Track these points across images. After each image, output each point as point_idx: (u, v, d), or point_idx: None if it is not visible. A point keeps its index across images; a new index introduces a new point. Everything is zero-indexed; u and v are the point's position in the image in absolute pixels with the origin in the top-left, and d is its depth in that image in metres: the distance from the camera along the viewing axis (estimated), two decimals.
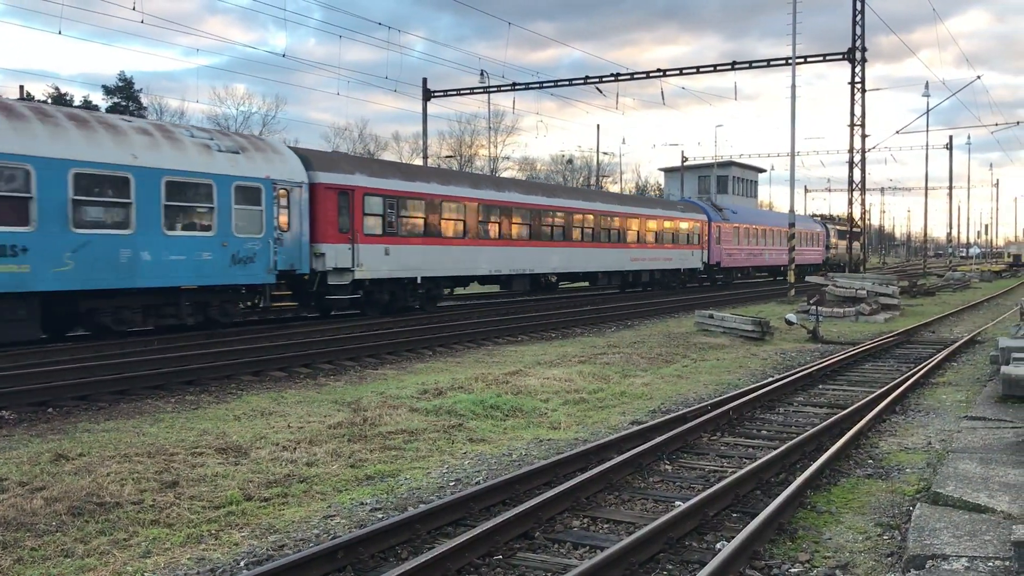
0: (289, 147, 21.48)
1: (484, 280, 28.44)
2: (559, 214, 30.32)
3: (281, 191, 18.97)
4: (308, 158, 20.68)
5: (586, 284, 36.18)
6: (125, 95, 57.49)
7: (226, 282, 17.83)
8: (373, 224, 21.68)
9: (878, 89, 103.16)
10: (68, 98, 53.74)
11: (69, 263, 14.76)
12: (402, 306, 23.14)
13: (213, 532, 6.21)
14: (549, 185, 41.20)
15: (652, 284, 38.15)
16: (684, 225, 39.42)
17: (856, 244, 42.23)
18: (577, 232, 31.21)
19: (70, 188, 14.87)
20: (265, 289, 19.02)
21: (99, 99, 56.68)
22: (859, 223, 43.57)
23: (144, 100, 59.96)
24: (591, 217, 32.20)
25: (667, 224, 38.22)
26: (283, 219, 19.08)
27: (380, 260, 21.79)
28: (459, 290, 28.97)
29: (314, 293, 20.45)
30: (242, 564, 5.62)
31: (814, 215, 69.47)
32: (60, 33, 33.65)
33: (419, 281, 23.36)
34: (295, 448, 8.57)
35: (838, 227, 62.87)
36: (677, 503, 6.84)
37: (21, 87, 46.46)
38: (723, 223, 43.37)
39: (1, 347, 14.19)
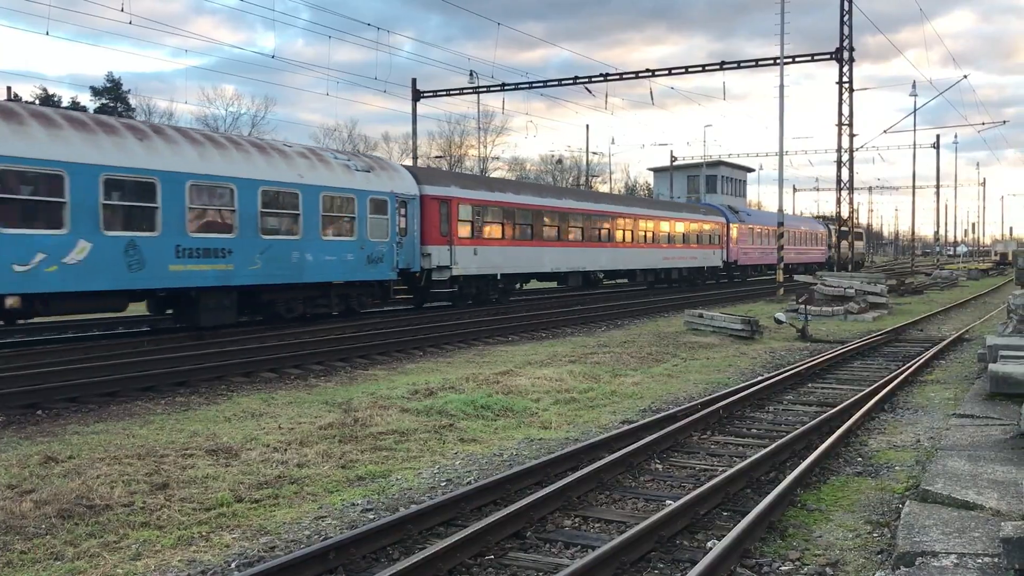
0: (402, 165, 25.98)
1: (546, 277, 31.71)
2: (606, 219, 34.12)
3: (400, 202, 22.72)
4: (417, 174, 24.62)
5: (625, 280, 40.59)
6: (113, 96, 57.27)
7: (363, 278, 21.59)
8: (465, 229, 25.34)
9: (866, 89, 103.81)
10: (56, 99, 53.47)
11: (258, 263, 18.42)
12: (484, 299, 26.66)
13: (204, 534, 6.20)
14: (597, 193, 45.62)
15: (680, 280, 41.64)
16: (707, 227, 42.84)
17: (844, 243, 42.87)
18: (620, 234, 35.07)
19: (259, 202, 18.46)
20: (389, 284, 22.75)
21: (87, 100, 56.51)
22: (859, 224, 45.47)
23: (132, 101, 59.79)
24: (631, 221, 35.94)
25: (692, 226, 41.79)
26: (402, 225, 22.80)
27: (470, 259, 25.38)
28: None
29: (422, 288, 24.20)
30: (233, 566, 5.61)
31: (817, 216, 71.88)
32: (48, 34, 33.43)
33: (499, 277, 27.26)
34: (286, 449, 8.56)
35: (841, 228, 63.42)
36: (668, 502, 6.86)
37: (8, 88, 46.18)
38: (740, 224, 46.74)
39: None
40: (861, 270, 56.97)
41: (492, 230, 26.91)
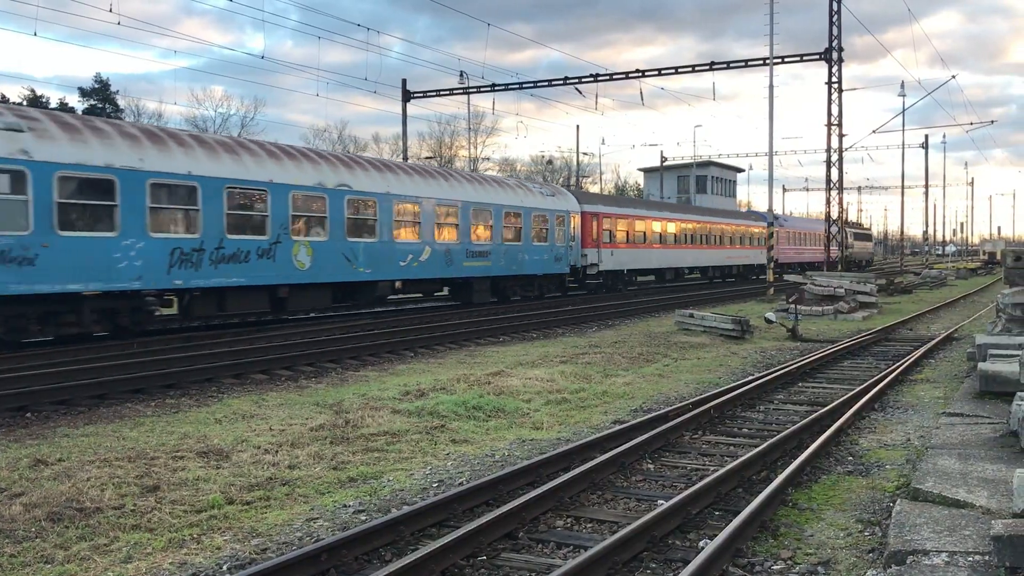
0: (565, 189, 37.60)
1: (652, 272, 41.28)
2: (691, 225, 43.65)
3: (571, 217, 31.93)
4: (577, 196, 34.45)
5: (697, 276, 49.40)
6: (102, 97, 57.00)
7: (553, 272, 30.72)
8: (605, 236, 34.69)
9: (854, 89, 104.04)
10: (44, 100, 53.22)
11: (502, 261, 27.55)
12: (614, 288, 36.00)
13: (195, 536, 6.17)
14: (683, 205, 54.27)
15: (736, 276, 51.20)
16: (755, 231, 52.10)
17: (860, 244, 50.48)
18: (699, 238, 44.63)
19: (503, 220, 27.51)
20: (564, 277, 32.07)
21: (75, 101, 56.21)
22: (867, 226, 54.16)
23: (121, 102, 59.52)
24: (707, 226, 45.57)
25: (744, 230, 51.69)
26: (571, 234, 31.92)
27: (608, 259, 35.06)
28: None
29: (580, 280, 34.17)
30: (225, 568, 5.59)
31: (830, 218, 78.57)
32: (36, 35, 33.21)
33: (625, 272, 37.11)
34: (277, 451, 8.53)
35: (854, 229, 74.16)
36: (660, 502, 6.86)
37: None
38: (779, 228, 54.41)
39: None
40: (869, 268, 67.28)
41: (621, 237, 36.22)
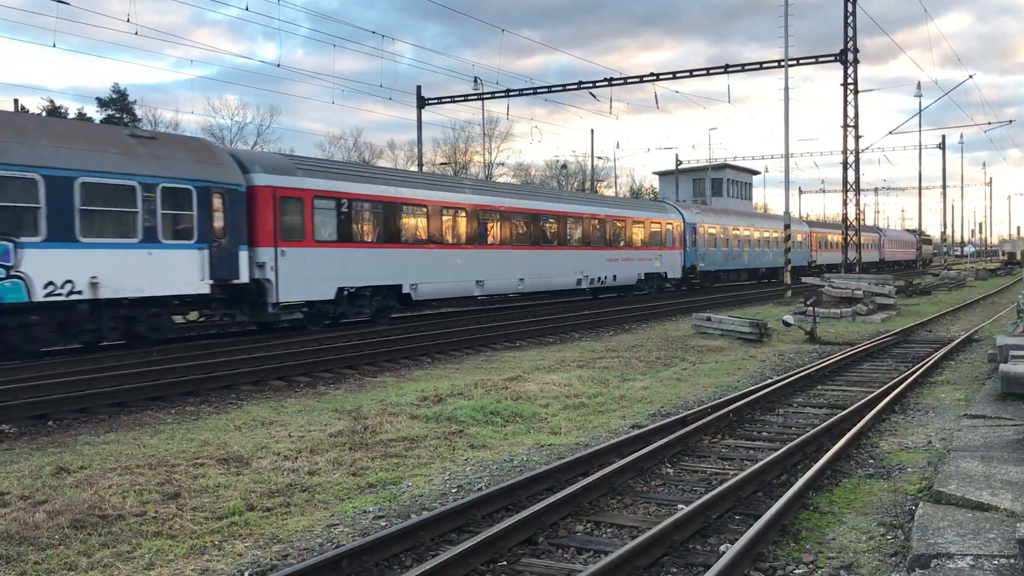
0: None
1: (734, 273, 47.13)
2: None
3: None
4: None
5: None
6: (119, 107, 57.45)
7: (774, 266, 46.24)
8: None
9: (870, 90, 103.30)
10: (63, 111, 53.71)
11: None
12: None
13: (216, 543, 6.20)
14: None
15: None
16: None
17: (925, 247, 66.34)
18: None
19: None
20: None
21: (93, 111, 56.65)
22: (928, 232, 72.78)
23: (138, 112, 59.96)
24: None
25: (873, 238, 66.71)
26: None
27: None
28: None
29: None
30: (246, 574, 5.61)
31: (907, 229, 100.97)
32: (55, 46, 33.54)
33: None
34: (296, 457, 8.56)
35: (921, 236, 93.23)
36: (680, 506, 6.84)
37: (15, 101, 46.37)
38: (883, 237, 75.45)
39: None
40: (928, 267, 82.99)
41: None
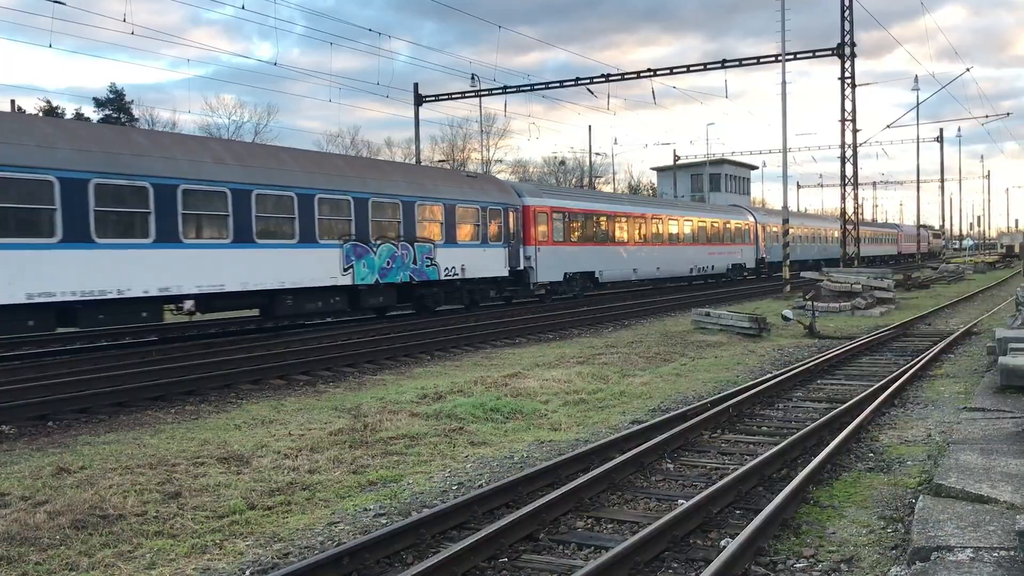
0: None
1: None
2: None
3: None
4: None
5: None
6: (116, 107, 57.34)
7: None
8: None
9: (867, 84, 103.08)
10: (59, 112, 53.63)
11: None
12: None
13: (217, 542, 6.21)
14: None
15: (880, 262, 63.76)
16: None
17: (937, 240, 68.85)
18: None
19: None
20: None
21: (90, 111, 56.54)
22: (940, 228, 75.90)
23: (135, 112, 59.86)
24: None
25: (836, 233, 68.30)
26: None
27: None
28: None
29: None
30: (247, 573, 5.62)
31: (920, 224, 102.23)
32: (51, 46, 33.44)
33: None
34: (297, 456, 8.57)
35: (933, 230, 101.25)
36: (680, 501, 6.85)
37: (12, 102, 46.30)
38: (901, 233, 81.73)
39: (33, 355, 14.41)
40: (938, 259, 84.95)
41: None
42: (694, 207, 45.79)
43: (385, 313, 24.20)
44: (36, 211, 14.35)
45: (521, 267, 27.35)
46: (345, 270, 20.42)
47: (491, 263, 25.67)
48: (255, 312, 21.47)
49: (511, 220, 26.77)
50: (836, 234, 53.40)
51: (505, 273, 26.40)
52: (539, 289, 29.33)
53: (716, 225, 43.36)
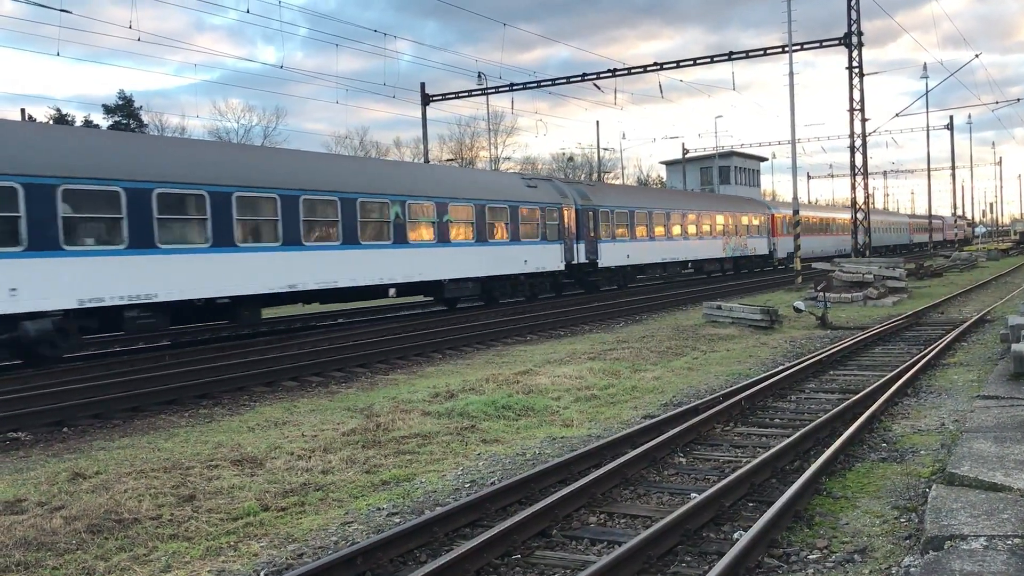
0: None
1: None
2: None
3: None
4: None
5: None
6: (125, 113, 57.59)
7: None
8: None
9: (876, 73, 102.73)
10: (69, 119, 53.91)
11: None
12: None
13: (232, 544, 6.24)
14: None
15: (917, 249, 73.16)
16: (920, 222, 72.05)
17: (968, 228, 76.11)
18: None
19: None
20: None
21: (99, 118, 56.83)
22: (967, 216, 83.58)
23: (145, 118, 60.11)
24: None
25: (923, 222, 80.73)
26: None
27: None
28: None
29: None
30: (262, 574, 5.64)
31: (955, 214, 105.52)
32: (58, 55, 33.64)
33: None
34: (310, 457, 8.60)
35: (963, 219, 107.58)
36: (693, 495, 6.84)
37: (23, 111, 46.61)
38: (943, 223, 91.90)
39: (29, 367, 14.56)
40: (967, 248, 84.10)
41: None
42: (717, 200, 47.81)
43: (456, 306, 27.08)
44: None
45: (575, 261, 30.45)
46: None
47: (550, 257, 29.17)
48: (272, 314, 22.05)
49: (566, 217, 29.98)
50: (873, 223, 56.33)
51: (561, 266, 29.55)
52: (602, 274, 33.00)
53: (736, 217, 45.99)
